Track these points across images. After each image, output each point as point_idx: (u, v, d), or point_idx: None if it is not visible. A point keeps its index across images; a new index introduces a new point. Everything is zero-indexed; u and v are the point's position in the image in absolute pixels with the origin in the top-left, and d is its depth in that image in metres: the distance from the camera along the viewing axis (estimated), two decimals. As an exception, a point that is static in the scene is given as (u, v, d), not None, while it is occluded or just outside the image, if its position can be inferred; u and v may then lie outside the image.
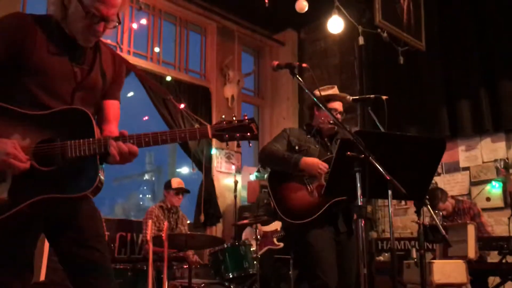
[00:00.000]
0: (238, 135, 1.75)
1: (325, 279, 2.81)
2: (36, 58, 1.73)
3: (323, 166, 2.93)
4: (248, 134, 1.76)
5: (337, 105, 3.18)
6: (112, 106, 1.96)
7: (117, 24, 1.79)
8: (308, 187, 3.01)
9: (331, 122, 3.07)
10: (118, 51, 5.88)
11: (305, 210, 2.94)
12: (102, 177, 1.74)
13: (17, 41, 1.71)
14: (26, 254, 1.81)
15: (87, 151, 1.67)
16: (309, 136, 3.18)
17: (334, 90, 3.20)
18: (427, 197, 2.45)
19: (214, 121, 6.78)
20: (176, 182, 5.11)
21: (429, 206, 2.46)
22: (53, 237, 1.87)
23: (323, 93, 3.10)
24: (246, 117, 1.77)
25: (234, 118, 1.76)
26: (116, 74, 1.96)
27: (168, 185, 5.12)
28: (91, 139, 1.69)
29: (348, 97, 3.17)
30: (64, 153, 1.67)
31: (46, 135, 1.69)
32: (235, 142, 1.79)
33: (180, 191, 5.10)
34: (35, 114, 1.71)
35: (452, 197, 4.86)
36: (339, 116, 3.15)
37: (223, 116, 1.78)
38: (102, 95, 1.92)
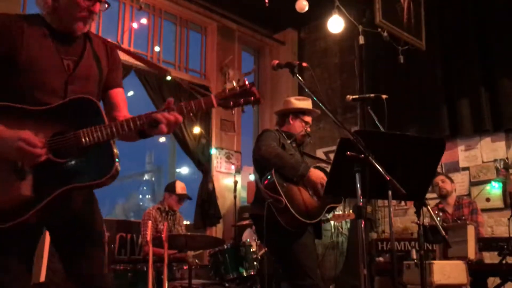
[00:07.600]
0: (242, 100, 1.77)
1: (316, 280, 2.91)
2: (26, 53, 1.74)
3: (324, 181, 2.98)
4: (252, 98, 1.77)
5: (310, 119, 3.38)
6: (117, 94, 1.99)
7: (107, 6, 1.86)
8: (309, 190, 3.07)
9: (308, 131, 3.29)
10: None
11: (309, 212, 3.00)
12: (118, 160, 1.73)
13: (4, 42, 1.73)
14: (27, 257, 1.81)
15: (101, 137, 1.68)
16: (289, 142, 3.24)
17: (309, 103, 3.36)
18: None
19: (214, 121, 6.80)
20: (180, 188, 5.03)
21: (429, 207, 2.46)
22: (57, 240, 1.89)
23: (300, 104, 3.32)
24: (246, 82, 1.79)
25: (235, 85, 1.79)
26: (111, 60, 1.98)
27: (171, 189, 5.03)
28: (102, 124, 1.69)
29: (318, 112, 3.37)
30: (79, 142, 1.67)
31: (57, 128, 1.70)
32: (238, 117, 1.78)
33: (183, 198, 5.05)
34: (42, 109, 1.71)
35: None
36: (309, 129, 3.35)
37: (225, 85, 1.80)
38: (104, 86, 1.94)
